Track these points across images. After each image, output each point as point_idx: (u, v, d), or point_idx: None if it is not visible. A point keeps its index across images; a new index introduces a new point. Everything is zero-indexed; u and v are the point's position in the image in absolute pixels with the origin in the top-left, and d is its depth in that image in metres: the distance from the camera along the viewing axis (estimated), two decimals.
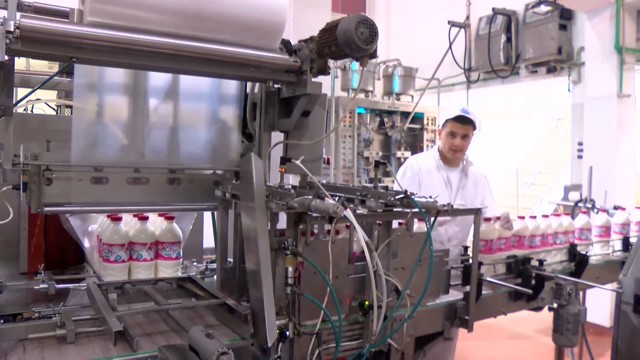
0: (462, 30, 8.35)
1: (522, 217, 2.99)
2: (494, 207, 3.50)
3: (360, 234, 1.76)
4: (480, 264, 2.48)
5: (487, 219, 2.80)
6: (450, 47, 8.19)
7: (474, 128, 3.46)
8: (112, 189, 2.17)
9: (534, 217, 3.08)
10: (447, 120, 3.43)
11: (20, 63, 3.10)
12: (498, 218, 2.86)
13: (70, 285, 2.14)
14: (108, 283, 2.13)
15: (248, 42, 2.07)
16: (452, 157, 3.48)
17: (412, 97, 7.78)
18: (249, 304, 1.88)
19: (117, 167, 2.19)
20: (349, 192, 2.19)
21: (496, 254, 2.76)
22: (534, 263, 2.69)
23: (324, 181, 2.55)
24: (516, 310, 2.68)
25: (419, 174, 3.45)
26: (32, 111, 4.55)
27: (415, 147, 7.75)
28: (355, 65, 7.19)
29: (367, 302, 1.96)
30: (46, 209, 2.01)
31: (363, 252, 1.78)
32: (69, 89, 3.08)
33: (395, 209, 2.03)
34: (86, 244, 2.49)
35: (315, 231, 2.31)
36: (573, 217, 3.51)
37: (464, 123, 3.39)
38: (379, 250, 2.03)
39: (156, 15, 1.89)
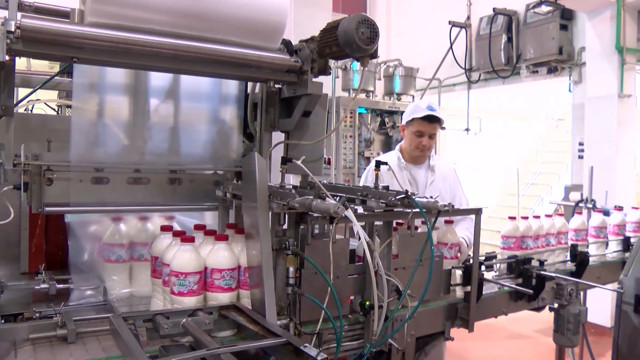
0: (463, 31, 8.34)
1: (513, 218, 3.00)
2: (466, 203, 3.40)
3: (361, 234, 1.76)
4: (481, 264, 2.47)
5: (512, 217, 2.94)
6: (451, 47, 8.19)
7: (441, 125, 3.35)
8: (112, 189, 2.17)
9: (526, 218, 3.07)
10: (413, 119, 3.27)
11: (20, 63, 3.11)
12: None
13: (93, 329, 1.78)
14: (135, 315, 1.75)
15: (249, 42, 2.07)
16: (418, 155, 3.35)
17: (413, 97, 7.77)
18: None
19: (118, 168, 2.18)
20: (350, 192, 2.19)
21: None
22: (535, 263, 2.69)
23: (325, 181, 2.54)
24: (517, 310, 2.68)
25: (380, 174, 3.35)
26: (32, 111, 4.55)
27: None
28: (356, 65, 7.18)
29: (368, 302, 1.96)
30: (47, 209, 2.02)
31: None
32: (69, 89, 3.08)
33: (396, 209, 2.03)
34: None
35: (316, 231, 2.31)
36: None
37: (431, 122, 3.25)
38: (380, 250, 2.02)
39: (157, 15, 1.89)
